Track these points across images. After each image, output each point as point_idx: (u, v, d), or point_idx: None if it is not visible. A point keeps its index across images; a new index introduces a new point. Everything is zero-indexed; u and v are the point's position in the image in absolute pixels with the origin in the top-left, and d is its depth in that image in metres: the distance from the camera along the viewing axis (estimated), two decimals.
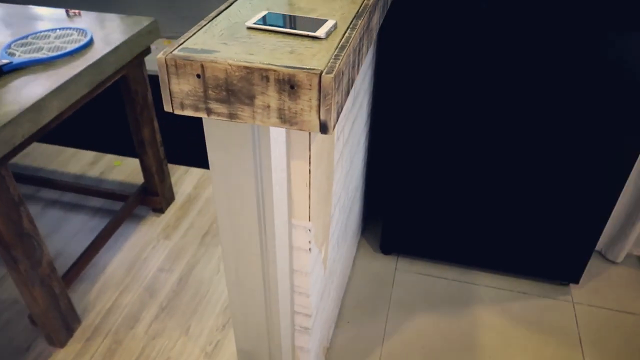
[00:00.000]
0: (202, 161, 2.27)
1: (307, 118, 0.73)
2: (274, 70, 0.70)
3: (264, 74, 0.71)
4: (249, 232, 0.99)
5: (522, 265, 1.72)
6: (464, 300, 1.68)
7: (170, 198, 2.07)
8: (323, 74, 0.69)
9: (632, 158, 1.41)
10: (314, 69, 0.69)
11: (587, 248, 1.61)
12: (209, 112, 0.77)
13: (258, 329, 1.16)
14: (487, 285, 1.74)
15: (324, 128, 0.73)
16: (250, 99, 0.74)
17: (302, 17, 0.85)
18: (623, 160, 1.42)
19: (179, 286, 1.71)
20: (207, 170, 2.25)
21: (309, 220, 0.93)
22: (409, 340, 1.54)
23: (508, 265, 1.73)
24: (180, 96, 0.77)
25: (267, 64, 0.71)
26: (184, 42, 0.78)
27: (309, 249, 0.97)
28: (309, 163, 0.86)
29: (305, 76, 0.69)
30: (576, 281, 1.70)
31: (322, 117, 0.72)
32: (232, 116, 0.77)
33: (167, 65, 0.74)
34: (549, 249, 1.65)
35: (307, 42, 0.77)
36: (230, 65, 0.72)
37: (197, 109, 0.77)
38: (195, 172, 2.25)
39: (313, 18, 0.84)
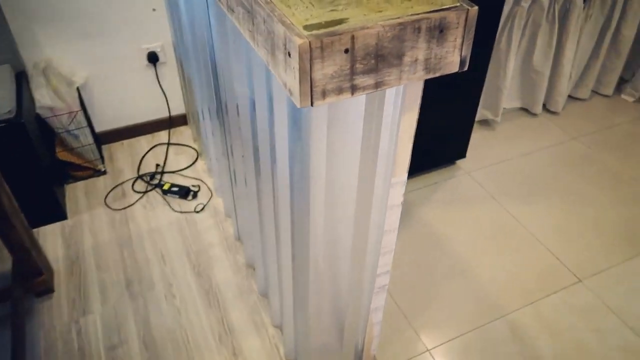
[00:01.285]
0: (46, 216, 1.79)
1: (450, 59, 0.72)
2: (427, 19, 0.66)
3: (417, 26, 0.66)
4: (347, 192, 0.90)
5: (421, 164, 1.99)
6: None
7: (51, 271, 1.61)
8: (470, 8, 0.68)
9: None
10: (460, 6, 0.68)
11: (467, 129, 1.97)
12: (354, 90, 0.68)
13: (339, 286, 1.10)
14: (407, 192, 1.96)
15: (463, 64, 0.73)
16: (399, 59, 0.68)
17: None
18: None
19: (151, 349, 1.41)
20: (64, 222, 1.80)
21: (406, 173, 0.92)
22: None
23: (412, 169, 1.98)
24: (323, 82, 0.65)
25: (420, 14, 0.66)
26: (309, 22, 0.64)
27: (401, 203, 0.96)
28: (418, 114, 0.83)
29: (455, 16, 0.67)
30: (464, 155, 2.07)
31: (463, 54, 0.72)
32: (378, 85, 0.69)
33: (311, 50, 0.61)
34: (436, 142, 1.95)
35: None
36: (383, 27, 0.64)
37: (340, 91, 0.67)
38: (51, 231, 1.78)
39: None
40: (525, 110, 2.43)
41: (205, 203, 1.89)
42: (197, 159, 2.10)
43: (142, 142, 2.18)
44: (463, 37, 0.70)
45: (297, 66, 0.63)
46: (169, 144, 2.17)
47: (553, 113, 2.42)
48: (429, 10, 0.67)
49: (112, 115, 2.12)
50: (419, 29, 0.66)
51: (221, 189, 1.89)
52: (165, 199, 1.90)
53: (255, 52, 0.91)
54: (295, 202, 0.96)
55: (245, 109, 1.12)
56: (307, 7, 0.69)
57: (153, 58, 2.03)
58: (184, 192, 1.90)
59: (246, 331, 1.48)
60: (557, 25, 2.05)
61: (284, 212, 1.03)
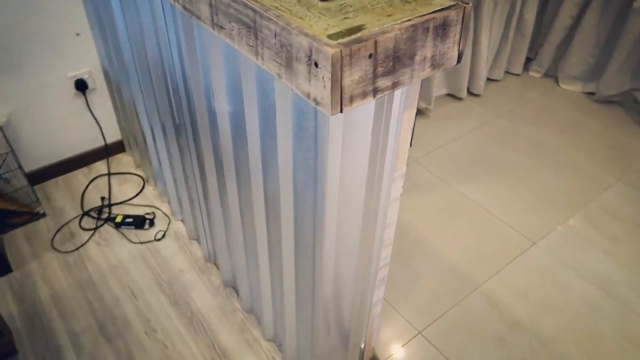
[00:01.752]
0: None
1: (451, 54, 0.77)
2: (433, 19, 0.70)
3: (426, 26, 0.70)
4: (357, 188, 0.92)
5: None
6: None
7: (9, 331, 1.45)
8: (466, 6, 0.73)
9: None
10: (458, 4, 0.73)
11: None
12: (375, 92, 0.70)
13: (346, 285, 1.12)
14: None
15: (460, 58, 0.79)
16: (411, 59, 0.71)
17: None
18: None
19: None
20: (10, 276, 1.63)
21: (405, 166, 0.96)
22: None
23: None
24: (351, 89, 0.66)
25: (427, 14, 0.70)
26: (329, 32, 0.65)
27: (400, 195, 1.00)
28: (415, 110, 0.87)
29: (455, 14, 0.72)
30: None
31: (460, 48, 0.77)
32: (394, 85, 0.72)
33: (342, 58, 0.63)
34: None
35: None
36: (399, 29, 0.67)
37: (365, 95, 0.69)
38: None
39: None
40: (452, 95, 2.60)
41: (164, 229, 1.81)
42: (144, 185, 2.00)
43: (79, 177, 2.03)
44: (461, 33, 0.76)
45: (328, 75, 0.64)
46: (109, 174, 2.04)
47: (476, 95, 2.61)
48: (433, 10, 0.72)
49: (41, 152, 1.95)
50: (427, 29, 0.71)
51: (181, 212, 1.82)
52: (120, 232, 1.79)
53: (248, 66, 0.91)
54: (301, 210, 0.96)
55: (225, 124, 1.10)
56: (319, 18, 0.70)
57: (81, 85, 1.90)
58: (140, 222, 1.81)
59: (239, 350, 1.45)
60: (472, 17, 2.22)
61: (286, 221, 1.03)
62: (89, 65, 1.90)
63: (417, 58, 0.73)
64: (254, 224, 1.23)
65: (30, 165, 1.95)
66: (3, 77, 1.73)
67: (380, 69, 0.69)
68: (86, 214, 1.86)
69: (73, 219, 1.84)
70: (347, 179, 0.88)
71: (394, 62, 0.70)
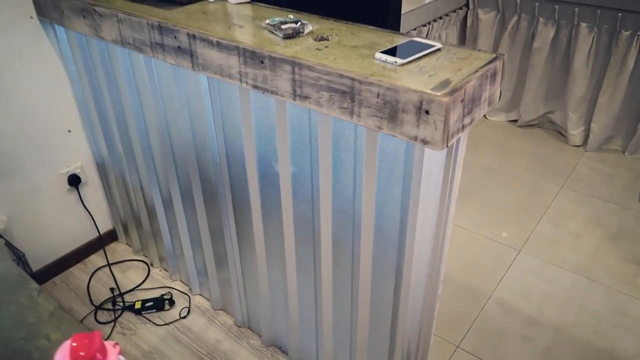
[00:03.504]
0: None
1: (497, 93, 0.99)
2: (489, 68, 0.92)
3: (486, 74, 0.92)
4: (432, 216, 1.09)
5: None
6: None
7: None
8: (503, 56, 0.97)
9: None
10: (500, 55, 0.96)
11: None
12: (463, 128, 0.89)
13: (415, 319, 1.25)
14: None
15: (500, 95, 1.01)
16: (479, 100, 0.92)
17: (405, 42, 1.01)
18: None
19: None
20: None
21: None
22: None
23: None
24: (452, 128, 0.85)
25: (484, 65, 0.92)
26: (429, 87, 0.84)
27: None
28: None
29: (499, 63, 0.95)
30: None
31: (501, 87, 1.00)
32: (471, 122, 0.92)
33: (450, 105, 0.81)
34: None
35: (435, 55, 0.99)
36: (476, 78, 0.88)
37: (458, 131, 0.88)
38: None
39: (418, 40, 1.02)
40: None
41: (187, 306, 1.81)
42: (149, 269, 1.99)
43: (76, 273, 1.97)
44: (502, 77, 0.99)
45: (440, 119, 0.82)
46: (109, 264, 2.01)
47: None
48: (486, 62, 0.94)
49: (38, 254, 1.89)
50: (487, 76, 0.93)
51: (200, 286, 1.85)
52: (142, 318, 1.77)
53: (325, 129, 1.05)
54: (381, 250, 1.11)
55: (287, 184, 1.23)
56: (410, 77, 0.89)
57: (74, 180, 1.90)
58: (160, 304, 1.80)
59: None
60: None
61: (365, 264, 1.16)
62: (80, 160, 1.91)
63: (482, 99, 0.94)
64: (312, 277, 1.34)
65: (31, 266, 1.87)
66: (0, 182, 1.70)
67: (466, 110, 0.88)
68: (99, 308, 1.81)
69: (87, 315, 1.78)
70: (429, 210, 1.05)
71: (472, 103, 0.90)
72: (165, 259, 1.94)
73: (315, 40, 1.07)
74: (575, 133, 2.84)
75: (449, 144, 0.87)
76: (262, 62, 1.04)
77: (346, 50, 1.02)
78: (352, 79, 0.91)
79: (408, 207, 1.01)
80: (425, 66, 0.94)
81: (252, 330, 1.72)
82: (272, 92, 1.06)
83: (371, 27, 1.16)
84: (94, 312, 1.80)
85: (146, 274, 1.97)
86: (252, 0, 1.36)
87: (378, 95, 0.89)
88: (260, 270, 1.50)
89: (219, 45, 1.10)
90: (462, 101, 0.86)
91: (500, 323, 1.73)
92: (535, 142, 2.87)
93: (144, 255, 2.06)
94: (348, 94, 0.93)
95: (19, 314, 0.79)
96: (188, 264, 1.80)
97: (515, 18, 2.81)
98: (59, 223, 1.93)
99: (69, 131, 1.84)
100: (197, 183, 1.52)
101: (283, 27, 1.08)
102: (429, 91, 0.84)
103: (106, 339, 1.71)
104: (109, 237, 2.12)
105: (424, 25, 2.64)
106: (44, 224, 1.88)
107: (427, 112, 0.84)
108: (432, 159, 0.96)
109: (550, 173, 2.57)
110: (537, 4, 2.68)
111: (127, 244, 2.12)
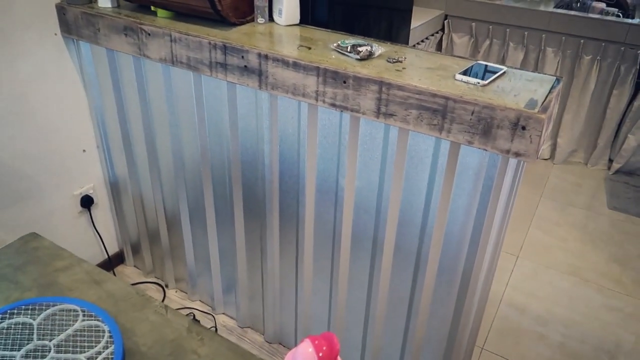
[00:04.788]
0: None
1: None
2: (555, 88, 1.04)
3: (557, 94, 1.03)
4: (496, 234, 1.19)
5: None
6: None
7: None
8: (562, 78, 1.09)
9: None
10: (559, 78, 1.08)
11: None
12: (545, 140, 1.00)
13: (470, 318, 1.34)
14: None
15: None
16: (551, 116, 1.03)
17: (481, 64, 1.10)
18: None
19: None
20: None
21: None
22: None
23: None
24: (542, 141, 0.95)
25: (553, 85, 1.03)
26: (520, 105, 0.94)
27: None
28: None
29: (559, 89, 1.07)
30: None
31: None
32: (547, 134, 1.02)
33: (546, 121, 0.91)
34: None
35: (506, 77, 1.09)
36: (552, 95, 0.99)
37: (544, 143, 0.98)
38: None
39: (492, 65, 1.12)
40: None
41: (213, 325, 1.79)
42: (164, 291, 1.94)
43: None
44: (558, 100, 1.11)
45: (536, 134, 0.92)
46: None
47: None
48: (554, 82, 1.06)
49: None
50: (558, 95, 1.04)
51: (225, 304, 1.83)
52: None
53: (401, 143, 1.12)
54: (448, 258, 1.19)
55: (350, 198, 1.28)
56: (499, 97, 0.98)
57: (87, 202, 1.83)
58: None
59: None
60: None
61: (430, 274, 1.23)
62: (93, 180, 1.85)
63: (553, 115, 1.05)
64: (365, 288, 1.39)
65: None
66: (16, 205, 1.61)
67: (549, 124, 0.99)
68: None
69: None
70: (497, 222, 1.14)
71: (551, 119, 1.01)
72: (183, 279, 1.91)
73: (389, 62, 1.15)
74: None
75: (539, 156, 0.97)
76: (344, 82, 1.10)
77: (424, 71, 1.11)
78: (446, 98, 0.99)
79: (482, 218, 1.10)
80: (505, 87, 1.04)
81: (283, 346, 1.73)
82: (352, 110, 1.12)
83: (430, 51, 1.25)
84: None
85: (162, 295, 1.92)
86: (299, 23, 1.42)
87: (472, 113, 0.98)
88: (305, 285, 1.53)
89: (296, 66, 1.15)
90: (549, 118, 0.97)
91: (515, 323, 1.86)
92: None
93: (156, 277, 2.00)
94: (439, 112, 1.01)
95: (156, 331, 0.79)
96: (214, 282, 1.78)
97: (487, 42, 3.04)
98: (69, 246, 1.84)
99: (84, 151, 1.78)
100: (239, 199, 1.53)
101: (359, 49, 1.15)
102: (524, 109, 0.94)
103: None
104: (116, 260, 2.05)
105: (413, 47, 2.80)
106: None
107: (523, 128, 0.94)
108: (510, 171, 1.06)
109: (529, 184, 2.78)
110: (507, 30, 2.93)
111: (134, 266, 2.06)
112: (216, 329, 1.78)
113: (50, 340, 0.74)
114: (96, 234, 1.93)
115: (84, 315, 0.79)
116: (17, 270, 0.88)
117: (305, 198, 1.37)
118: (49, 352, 0.72)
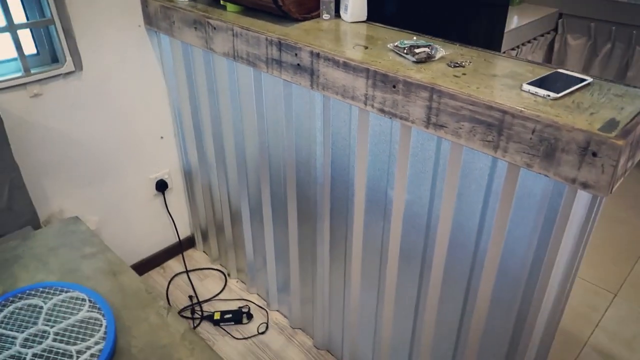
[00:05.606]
0: None
1: None
2: None
3: None
4: (563, 268, 1.02)
5: None
6: None
7: None
8: None
9: None
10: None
11: None
12: (625, 172, 0.82)
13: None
14: None
15: None
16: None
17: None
18: None
19: None
20: None
21: None
22: None
23: None
24: (619, 172, 0.78)
25: None
26: (595, 126, 0.78)
27: None
28: None
29: None
30: None
31: None
32: (632, 165, 0.84)
33: (625, 148, 0.74)
34: None
35: (588, 90, 0.92)
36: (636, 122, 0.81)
37: (622, 175, 0.80)
38: None
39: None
40: None
41: (265, 321, 1.79)
42: (226, 279, 1.98)
43: (156, 277, 2.00)
44: None
45: (610, 162, 0.75)
46: (187, 271, 2.02)
47: None
48: None
49: (121, 256, 1.91)
50: None
51: (279, 302, 1.82)
52: (220, 329, 1.76)
53: (454, 161, 1.00)
54: (503, 289, 1.04)
55: (399, 211, 1.18)
56: (571, 114, 0.82)
57: (162, 186, 1.92)
58: (238, 316, 1.78)
59: None
60: None
61: (482, 303, 1.09)
62: (168, 166, 1.94)
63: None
64: (412, 308, 1.28)
65: None
66: (93, 186, 1.74)
67: (630, 153, 0.81)
68: (179, 315, 1.81)
69: None
70: (564, 256, 0.97)
71: (637, 146, 0.83)
72: (243, 270, 1.93)
73: (450, 66, 1.02)
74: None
75: (613, 190, 0.79)
76: (394, 87, 1.00)
77: (487, 79, 0.97)
78: (504, 112, 0.85)
79: (544, 250, 0.94)
80: (582, 102, 0.87)
81: (331, 354, 1.68)
82: (401, 118, 1.02)
83: (504, 55, 1.10)
84: None
85: (223, 284, 1.96)
86: (367, 20, 1.33)
87: (533, 132, 0.83)
88: (352, 295, 1.45)
89: (346, 66, 1.07)
90: (631, 144, 0.79)
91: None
92: None
93: (220, 265, 2.06)
94: (495, 127, 0.88)
95: (151, 334, 0.77)
96: (269, 278, 1.78)
97: (608, 46, 2.67)
98: (143, 227, 1.96)
99: (162, 137, 1.87)
100: (293, 200, 1.50)
101: (416, 50, 1.04)
102: (597, 132, 0.77)
103: None
104: (187, 244, 2.14)
105: (513, 49, 2.55)
106: (130, 227, 1.91)
107: (594, 154, 0.77)
108: (581, 204, 0.89)
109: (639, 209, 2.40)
110: (634, 32, 2.54)
111: (204, 251, 2.13)
112: (267, 326, 1.78)
113: (52, 327, 0.76)
114: (169, 217, 2.02)
115: (90, 306, 0.80)
116: (50, 251, 0.93)
117: (354, 206, 1.29)
118: (47, 338, 0.74)
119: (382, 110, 1.05)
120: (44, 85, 1.53)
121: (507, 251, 1.01)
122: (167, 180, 1.94)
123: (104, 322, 0.77)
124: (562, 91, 0.89)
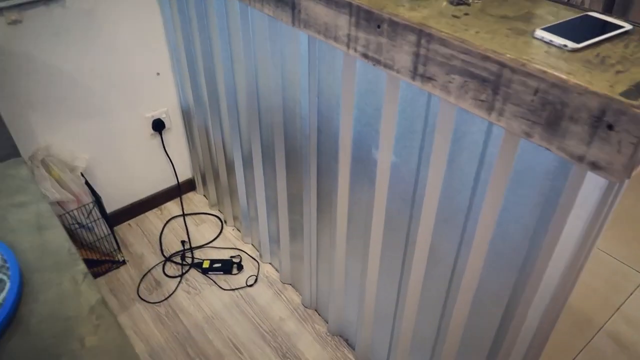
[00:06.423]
0: None
1: None
2: None
3: None
4: (570, 252, 0.86)
5: None
6: None
7: None
8: None
9: None
10: None
11: None
12: None
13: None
14: None
15: None
16: None
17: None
18: None
19: None
20: None
21: None
22: None
23: None
24: None
25: None
26: (617, 90, 0.59)
27: None
28: None
29: None
30: None
31: None
32: None
33: None
34: None
35: (622, 41, 0.71)
36: None
37: None
38: None
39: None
40: None
41: (255, 274, 1.72)
42: (222, 226, 1.91)
43: (152, 219, 1.95)
44: None
45: (629, 140, 0.57)
46: (184, 215, 1.96)
47: None
48: None
49: (116, 195, 1.87)
50: None
51: (271, 255, 1.74)
52: (208, 278, 1.70)
53: (445, 122, 0.83)
54: (494, 272, 0.89)
55: (384, 174, 1.03)
56: (588, 72, 0.63)
57: (159, 125, 1.82)
58: (228, 266, 1.72)
59: None
60: None
61: (469, 283, 0.95)
62: (166, 105, 1.83)
63: None
64: (398, 276, 1.16)
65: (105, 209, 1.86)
66: (85, 121, 1.65)
67: None
68: (168, 259, 1.77)
69: (155, 265, 1.75)
70: (570, 241, 0.80)
71: None
72: (239, 218, 1.84)
73: (451, 3, 0.83)
74: None
75: (632, 174, 0.61)
76: (378, 27, 0.82)
77: (493, 21, 0.77)
78: (502, 65, 0.67)
79: (541, 238, 0.78)
80: (609, 56, 0.67)
81: (319, 314, 1.59)
82: (385, 66, 0.85)
83: None
84: (162, 263, 1.76)
85: (219, 230, 1.89)
86: None
87: (536, 92, 0.65)
88: (338, 258, 1.34)
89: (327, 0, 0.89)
90: None
91: None
92: None
93: (219, 211, 1.98)
94: (490, 84, 0.69)
95: (59, 302, 0.68)
96: (261, 228, 1.68)
97: None
98: (139, 167, 1.88)
99: (158, 74, 1.75)
100: (281, 149, 1.36)
101: None
102: (618, 97, 0.58)
103: (171, 294, 1.68)
104: (187, 186, 2.06)
105: None
106: (125, 166, 1.84)
107: (609, 127, 0.59)
108: (591, 188, 0.71)
109: None
110: None
111: (204, 195, 2.05)
112: (257, 279, 1.70)
113: None
114: (167, 158, 1.93)
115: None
116: None
117: (339, 165, 1.15)
118: None
119: (365, 55, 0.87)
120: (23, 11, 1.41)
121: (499, 234, 0.85)
122: (164, 120, 1.83)
123: (6, 287, 0.68)
124: (584, 40, 0.69)
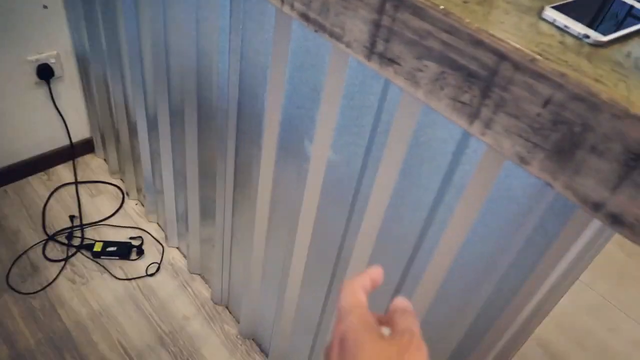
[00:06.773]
0: None
1: None
2: None
3: None
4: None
5: None
6: None
7: None
8: None
9: None
10: None
11: None
12: None
13: None
14: None
15: None
16: None
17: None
18: None
19: None
20: None
21: None
22: None
23: None
24: None
25: None
26: None
27: None
28: None
29: None
30: None
31: None
32: None
33: None
34: None
35: None
36: None
37: None
38: None
39: None
40: None
41: (158, 261, 1.46)
42: (124, 199, 1.61)
43: (36, 185, 1.60)
44: None
45: None
46: (77, 183, 1.63)
47: None
48: None
49: None
50: None
51: (179, 238, 1.48)
52: (99, 264, 1.42)
53: (405, 125, 0.62)
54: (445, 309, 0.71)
55: (319, 171, 0.80)
56: (621, 80, 0.44)
57: (46, 73, 1.46)
58: (125, 250, 1.44)
59: None
60: None
61: None
62: (57, 48, 1.46)
63: None
64: (325, 287, 0.96)
65: None
66: None
67: None
68: (51, 238, 1.46)
69: (34, 245, 1.43)
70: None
71: None
72: (142, 191, 1.56)
73: None
74: None
75: None
76: None
77: None
78: (501, 55, 0.46)
79: (513, 289, 0.60)
80: None
81: (230, 312, 1.38)
82: (331, 35, 0.61)
83: None
84: (44, 243, 1.45)
85: (119, 204, 1.60)
86: None
87: (547, 103, 0.44)
88: (256, 240, 1.11)
89: None
90: None
91: None
92: None
93: (120, 180, 1.67)
94: (479, 81, 0.48)
95: None
96: (167, 204, 1.41)
97: None
98: (20, 121, 1.52)
99: (45, 7, 1.38)
100: (193, 121, 1.10)
101: None
102: None
103: (50, 283, 1.39)
104: (84, 148, 1.72)
105: None
106: (1, 119, 1.48)
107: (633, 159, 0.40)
108: (591, 235, 0.53)
109: None
110: None
111: (104, 159, 1.73)
112: (159, 267, 1.45)
113: None
114: (57, 113, 1.58)
115: None
116: None
117: (262, 150, 0.91)
118: None
119: (305, 16, 0.63)
120: None
121: (453, 276, 0.66)
122: (53, 66, 1.48)
123: None
124: (612, 32, 0.50)
